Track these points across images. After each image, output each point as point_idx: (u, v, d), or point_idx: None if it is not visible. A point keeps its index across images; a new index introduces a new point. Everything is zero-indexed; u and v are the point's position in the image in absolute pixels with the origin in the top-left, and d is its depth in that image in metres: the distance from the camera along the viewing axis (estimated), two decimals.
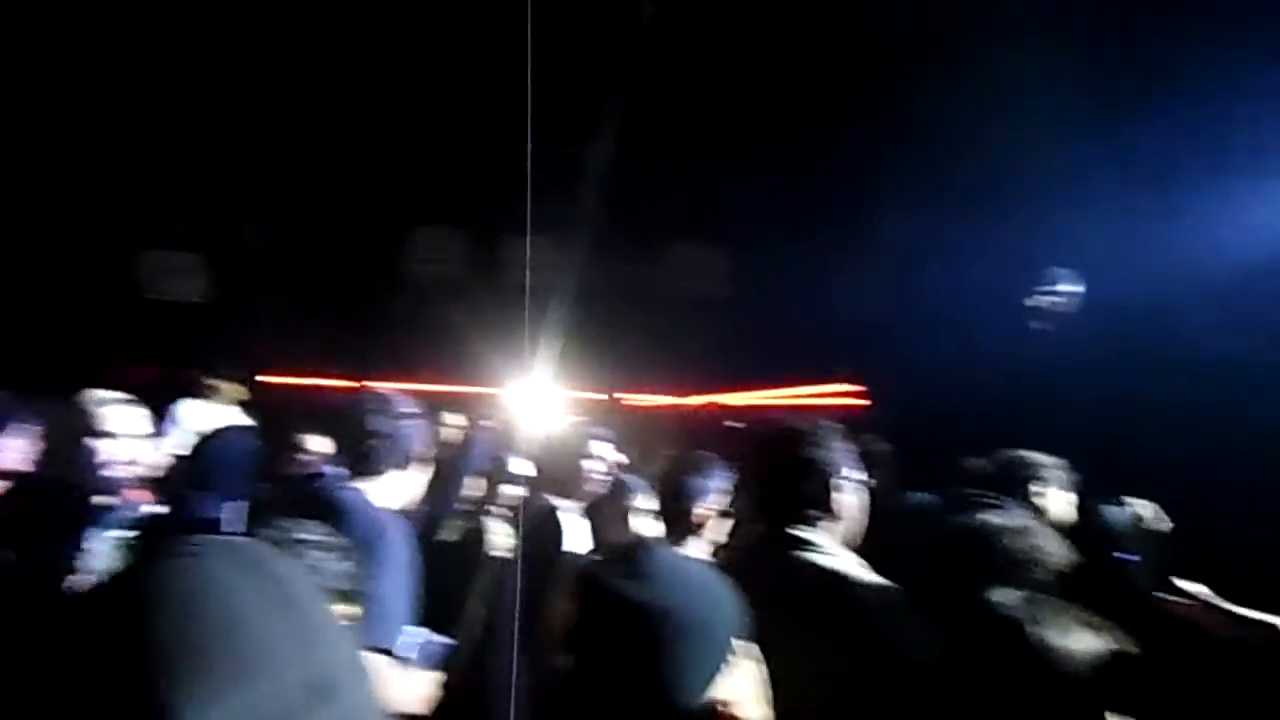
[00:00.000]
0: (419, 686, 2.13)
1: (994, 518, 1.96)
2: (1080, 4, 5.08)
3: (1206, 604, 1.35)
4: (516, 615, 2.35)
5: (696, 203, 7.68)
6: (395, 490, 2.48)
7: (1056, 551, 1.84)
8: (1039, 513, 2.67)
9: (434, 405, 5.42)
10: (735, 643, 1.06)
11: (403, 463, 2.49)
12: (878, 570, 1.95)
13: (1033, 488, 2.98)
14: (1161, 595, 1.38)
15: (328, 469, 2.49)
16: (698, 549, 2.50)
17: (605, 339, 7.36)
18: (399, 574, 2.14)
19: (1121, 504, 2.47)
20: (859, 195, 6.87)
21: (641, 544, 1.14)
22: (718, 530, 2.54)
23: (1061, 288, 4.39)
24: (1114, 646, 1.23)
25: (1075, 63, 5.25)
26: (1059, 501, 3.00)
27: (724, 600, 1.08)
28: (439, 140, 7.27)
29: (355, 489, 2.38)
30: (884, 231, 6.93)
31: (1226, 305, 5.16)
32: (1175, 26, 4.93)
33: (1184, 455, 4.13)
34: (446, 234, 8.76)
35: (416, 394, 2.67)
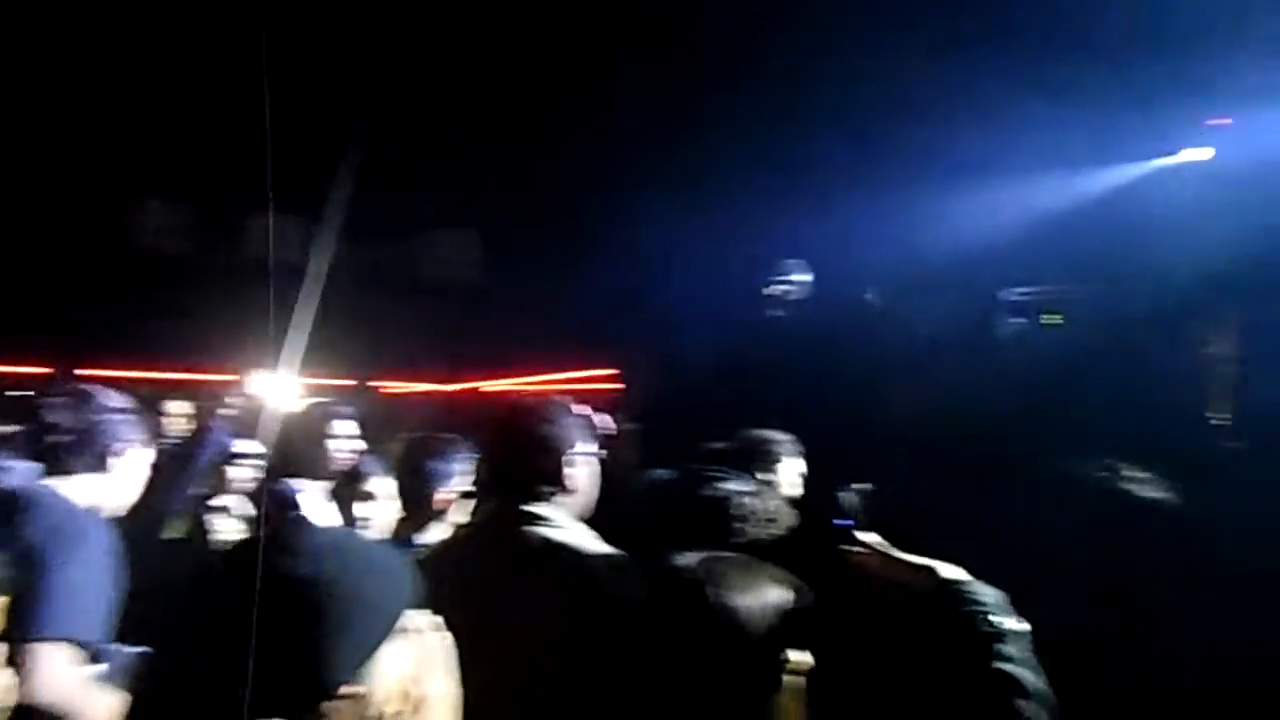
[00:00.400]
0: (104, 699, 1.93)
1: (724, 486, 2.11)
2: (826, 9, 5.48)
3: (878, 552, 1.52)
4: (254, 607, 2.18)
5: (455, 188, 7.54)
6: (93, 490, 2.21)
7: (780, 515, 2.00)
8: (769, 485, 2.90)
9: (160, 394, 4.94)
10: (418, 617, 1.04)
11: (97, 463, 2.22)
12: (618, 543, 2.02)
13: (765, 463, 3.23)
14: (844, 548, 1.54)
15: (9, 463, 2.19)
16: (442, 533, 2.46)
17: (358, 324, 7.04)
18: (89, 566, 1.92)
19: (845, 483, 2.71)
20: (616, 185, 7.05)
21: (297, 520, 1.10)
22: (462, 512, 2.51)
23: (793, 277, 4.77)
24: (793, 597, 1.36)
25: (818, 65, 5.69)
26: (789, 475, 3.27)
27: (388, 573, 1.05)
28: (171, 106, 6.61)
29: (43, 484, 2.12)
30: (639, 221, 7.16)
31: (936, 296, 5.84)
32: (901, 39, 5.47)
33: (896, 432, 4.64)
34: (175, 207, 8.00)
35: (140, 382, 2.41)
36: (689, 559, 1.42)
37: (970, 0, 5.26)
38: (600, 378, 7.39)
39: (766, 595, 1.36)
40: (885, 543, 1.54)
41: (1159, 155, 5.94)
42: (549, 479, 1.99)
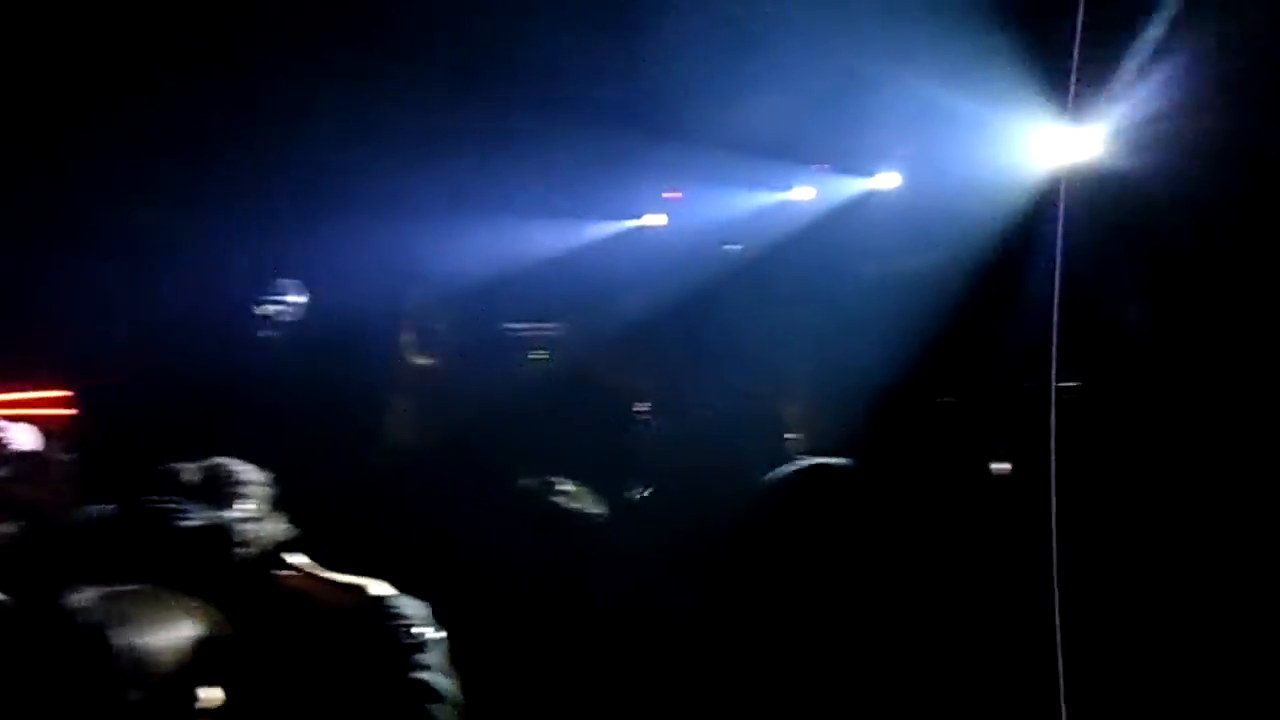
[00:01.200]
0: None
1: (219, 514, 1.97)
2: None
3: (308, 573, 1.53)
4: None
5: None
6: None
7: (279, 538, 1.90)
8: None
9: None
10: None
11: None
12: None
13: (231, 493, 3.03)
14: (275, 571, 1.52)
15: None
16: None
17: None
18: None
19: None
20: (84, 189, 6.15)
21: None
22: None
23: (289, 297, 4.57)
24: (203, 628, 1.30)
25: (328, 84, 5.61)
26: (256, 505, 3.10)
27: None
28: None
29: None
30: (110, 229, 6.35)
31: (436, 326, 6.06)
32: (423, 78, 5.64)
33: (381, 459, 4.70)
34: None
35: None
36: (85, 597, 1.26)
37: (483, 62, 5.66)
38: (49, 400, 6.27)
39: (178, 630, 1.27)
40: (314, 564, 1.54)
41: (629, 217, 6.91)
42: None
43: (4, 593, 1.72)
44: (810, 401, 4.92)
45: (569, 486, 2.09)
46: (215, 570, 1.72)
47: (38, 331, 6.28)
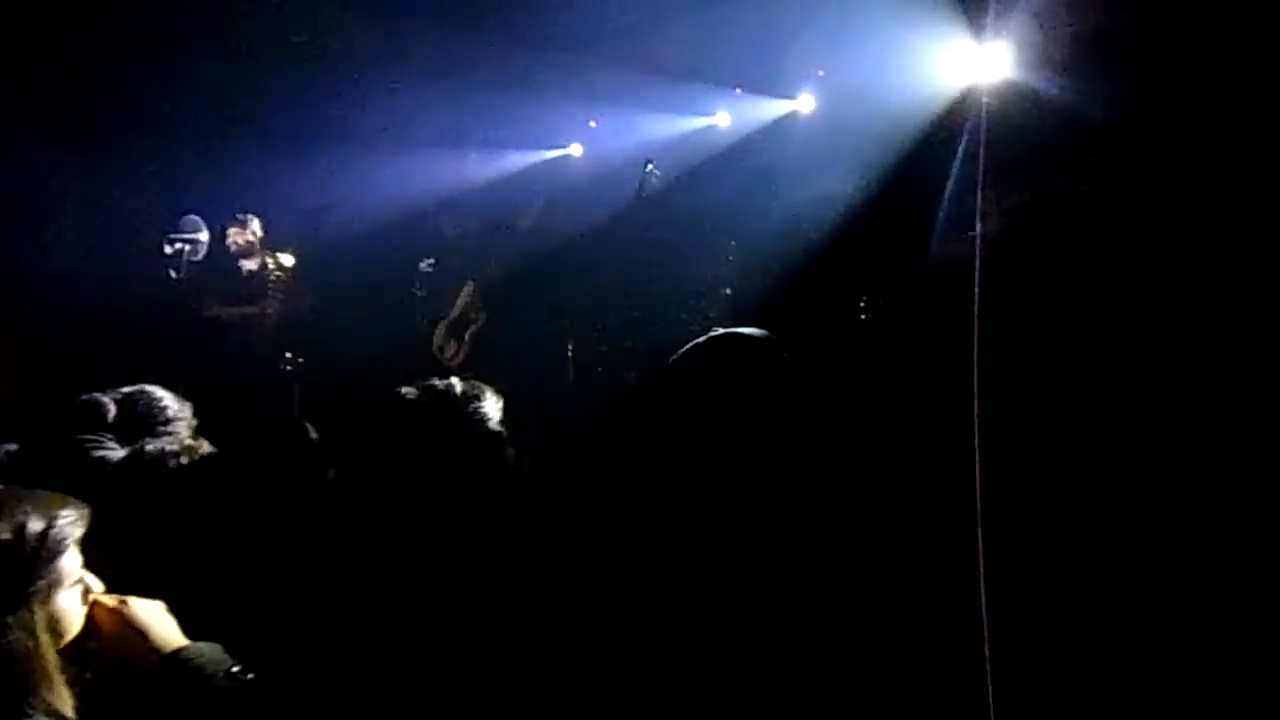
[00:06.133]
0: None
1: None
2: None
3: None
4: None
5: None
6: None
7: None
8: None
9: None
10: None
11: None
12: None
13: (157, 424, 2.94)
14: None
15: None
16: None
17: None
18: None
19: None
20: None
21: None
22: None
23: (196, 235, 4.41)
24: None
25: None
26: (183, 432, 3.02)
27: None
28: None
29: None
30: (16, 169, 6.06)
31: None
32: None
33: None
34: None
35: None
36: None
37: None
38: None
39: None
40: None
41: (554, 146, 6.85)
42: None
43: None
44: (736, 304, 5.12)
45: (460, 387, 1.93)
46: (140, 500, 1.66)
47: None
